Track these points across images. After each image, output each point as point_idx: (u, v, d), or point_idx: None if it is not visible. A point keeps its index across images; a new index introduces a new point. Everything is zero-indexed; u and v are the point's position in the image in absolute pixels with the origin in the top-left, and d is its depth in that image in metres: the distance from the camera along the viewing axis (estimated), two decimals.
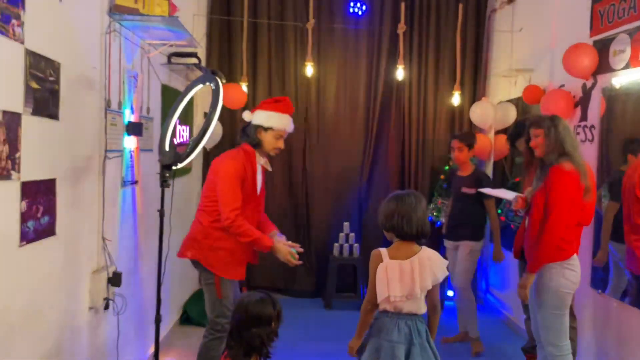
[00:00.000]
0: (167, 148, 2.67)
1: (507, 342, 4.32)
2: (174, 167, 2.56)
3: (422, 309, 2.44)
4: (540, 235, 2.82)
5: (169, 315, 4.44)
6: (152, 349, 3.78)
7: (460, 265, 4.18)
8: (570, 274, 2.80)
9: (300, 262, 3.03)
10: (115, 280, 2.83)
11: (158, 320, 2.68)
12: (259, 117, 3.00)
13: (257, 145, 3.03)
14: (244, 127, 3.08)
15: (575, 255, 2.87)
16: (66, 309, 2.49)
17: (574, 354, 3.06)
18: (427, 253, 2.44)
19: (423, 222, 2.43)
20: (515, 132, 3.89)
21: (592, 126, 3.64)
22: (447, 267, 2.48)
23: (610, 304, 3.35)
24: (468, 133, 4.57)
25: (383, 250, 2.45)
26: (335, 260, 5.22)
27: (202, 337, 3.03)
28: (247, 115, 3.06)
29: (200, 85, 2.68)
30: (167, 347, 4.14)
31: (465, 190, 4.17)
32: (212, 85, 2.57)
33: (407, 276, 2.38)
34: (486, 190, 3.86)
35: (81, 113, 2.58)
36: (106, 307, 2.83)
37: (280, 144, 3.07)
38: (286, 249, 2.97)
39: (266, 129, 2.99)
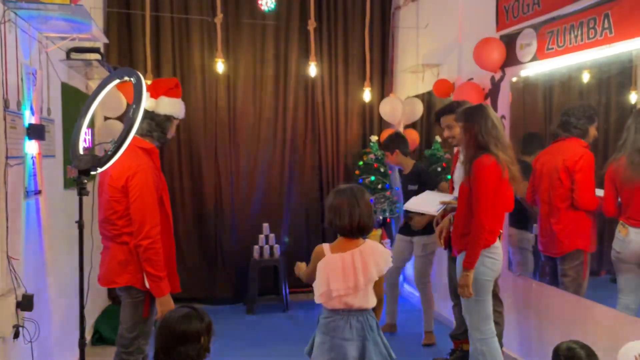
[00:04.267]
0: (81, 151, 2.38)
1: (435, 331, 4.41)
2: (92, 173, 2.29)
3: (372, 302, 2.40)
4: (469, 232, 2.84)
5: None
6: None
7: (417, 261, 4.25)
8: (490, 261, 2.86)
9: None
10: (25, 304, 2.48)
11: (82, 344, 2.40)
12: (166, 105, 2.69)
13: (165, 141, 2.76)
14: (150, 119, 2.64)
15: (497, 242, 2.92)
16: None
17: (499, 336, 3.20)
18: (370, 244, 2.42)
19: (365, 216, 2.39)
20: (443, 110, 3.73)
21: (503, 116, 3.83)
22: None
23: (529, 285, 3.55)
24: (388, 139, 4.48)
25: (325, 246, 2.42)
26: (255, 263, 5.07)
27: None
28: (151, 104, 2.63)
29: (117, 81, 2.42)
30: None
31: (410, 187, 4.24)
32: (132, 79, 2.33)
33: (349, 269, 2.34)
34: (410, 207, 3.83)
35: None
36: (16, 335, 2.48)
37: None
38: (172, 304, 2.56)
39: (175, 119, 2.75)
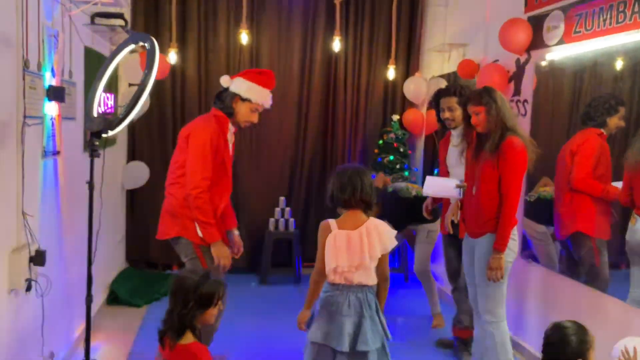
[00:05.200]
0: (95, 114, 2.43)
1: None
2: (103, 135, 2.34)
3: (373, 279, 2.41)
4: (502, 213, 2.80)
5: (95, 294, 4.16)
6: (79, 331, 3.55)
7: (420, 248, 4.20)
8: (513, 243, 2.84)
9: (227, 269, 2.93)
10: (38, 259, 2.57)
11: (89, 300, 2.49)
12: (238, 85, 2.90)
13: (230, 114, 2.93)
14: (219, 93, 2.95)
15: (515, 225, 2.90)
16: None
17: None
18: (375, 222, 2.42)
19: (369, 192, 2.42)
20: (445, 91, 3.64)
21: (525, 101, 3.75)
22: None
23: (541, 273, 3.52)
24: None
25: (332, 221, 2.42)
26: (271, 235, 5.13)
27: None
28: (224, 81, 2.93)
29: (132, 46, 2.46)
30: (95, 329, 3.87)
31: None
32: (146, 45, 2.36)
33: (355, 246, 2.36)
34: (431, 193, 3.60)
35: None
36: (28, 288, 2.58)
37: (254, 118, 2.98)
38: (227, 252, 2.89)
39: (243, 100, 2.91)
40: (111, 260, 4.67)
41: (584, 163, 3.08)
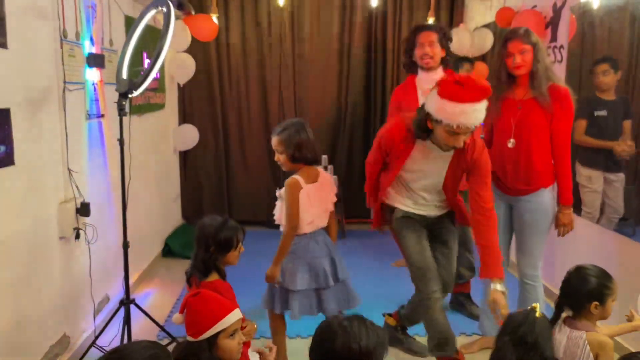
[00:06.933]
0: (124, 76, 2.65)
1: None
2: (129, 95, 2.55)
3: (326, 220, 2.66)
4: (562, 164, 2.69)
5: (151, 247, 4.55)
6: (134, 278, 3.91)
7: None
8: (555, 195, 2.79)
9: None
10: (83, 210, 2.88)
11: (126, 246, 2.76)
12: (430, 101, 2.27)
13: (427, 135, 2.41)
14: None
15: None
16: (34, 239, 2.56)
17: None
18: (322, 170, 2.67)
19: (315, 145, 2.62)
20: (423, 26, 3.34)
21: (561, 46, 3.61)
22: None
23: None
24: None
25: (299, 178, 2.56)
26: None
27: None
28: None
29: (154, 10, 2.63)
30: (149, 278, 4.27)
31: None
32: (163, 9, 2.52)
33: (321, 195, 2.59)
34: None
35: (33, 43, 2.54)
36: (77, 237, 2.90)
37: (455, 142, 2.30)
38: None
39: (435, 121, 2.29)
40: (167, 216, 5.03)
41: None
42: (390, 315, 3.09)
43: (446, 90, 2.21)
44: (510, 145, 2.74)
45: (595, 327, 2.00)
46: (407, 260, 2.70)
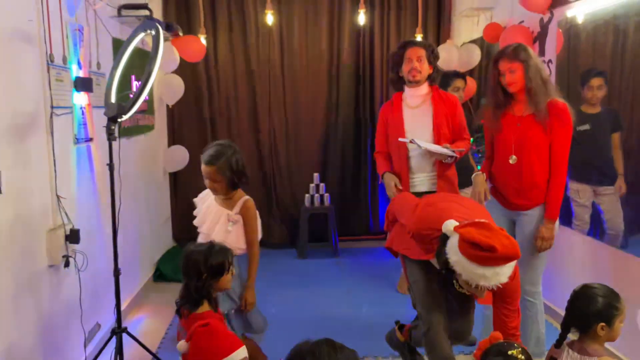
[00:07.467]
0: (112, 100, 2.61)
1: None
2: (119, 120, 2.51)
3: None
4: (554, 180, 2.68)
5: (142, 272, 4.47)
6: (125, 304, 3.82)
7: None
8: None
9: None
10: (73, 237, 2.81)
11: (117, 273, 2.69)
12: (454, 255, 1.97)
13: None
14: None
15: None
16: (22, 268, 2.49)
17: None
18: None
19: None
20: (412, 42, 3.36)
21: (550, 61, 3.63)
22: None
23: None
24: None
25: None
26: (306, 210, 5.26)
27: None
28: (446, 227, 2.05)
29: (142, 34, 2.61)
30: (140, 303, 4.19)
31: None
32: (152, 32, 2.49)
33: None
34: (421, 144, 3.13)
35: (19, 68, 2.50)
36: (66, 264, 2.83)
37: (477, 293, 2.10)
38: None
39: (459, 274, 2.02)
40: (158, 239, 4.96)
41: None
42: (402, 326, 2.91)
43: (472, 254, 1.90)
44: (511, 161, 2.76)
45: (605, 350, 1.90)
46: (411, 286, 2.58)
